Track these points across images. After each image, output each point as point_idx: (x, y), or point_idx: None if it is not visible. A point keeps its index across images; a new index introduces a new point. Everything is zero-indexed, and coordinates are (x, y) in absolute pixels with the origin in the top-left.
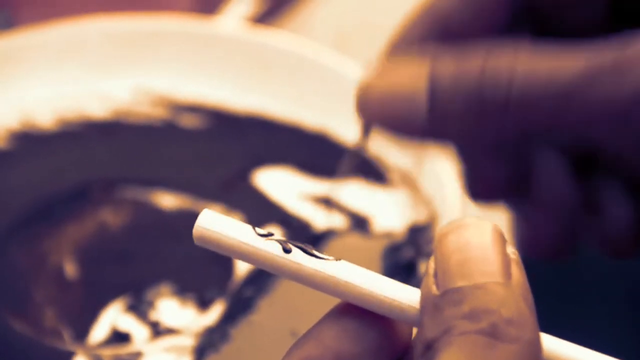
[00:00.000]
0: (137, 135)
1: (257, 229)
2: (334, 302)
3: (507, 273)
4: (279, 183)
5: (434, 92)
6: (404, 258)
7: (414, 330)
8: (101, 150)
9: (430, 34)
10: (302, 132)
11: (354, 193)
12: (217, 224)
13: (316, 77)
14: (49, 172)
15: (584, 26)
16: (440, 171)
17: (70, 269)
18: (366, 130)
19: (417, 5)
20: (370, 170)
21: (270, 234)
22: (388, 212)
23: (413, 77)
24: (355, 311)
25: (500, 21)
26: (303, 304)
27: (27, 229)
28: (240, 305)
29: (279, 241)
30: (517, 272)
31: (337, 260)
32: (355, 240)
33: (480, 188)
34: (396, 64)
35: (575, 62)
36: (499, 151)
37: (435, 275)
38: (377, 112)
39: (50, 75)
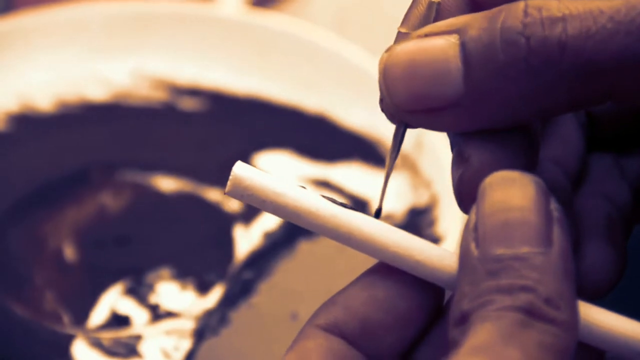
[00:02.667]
0: (137, 118)
1: (292, 180)
2: (334, 284)
3: (548, 239)
4: (278, 166)
5: (467, 49)
6: None
7: (445, 297)
8: (101, 133)
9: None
10: (302, 115)
11: (354, 176)
12: (252, 175)
13: (315, 59)
14: (49, 155)
15: None
16: (440, 154)
17: (70, 253)
18: (400, 130)
19: None
20: (370, 153)
21: (305, 187)
22: (388, 195)
23: (441, 40)
24: (386, 279)
25: None
26: (303, 286)
27: (26, 212)
28: (240, 288)
29: (315, 193)
30: (559, 236)
31: (377, 215)
32: None
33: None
34: (419, 32)
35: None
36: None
37: (475, 229)
38: (402, 86)
39: (49, 58)
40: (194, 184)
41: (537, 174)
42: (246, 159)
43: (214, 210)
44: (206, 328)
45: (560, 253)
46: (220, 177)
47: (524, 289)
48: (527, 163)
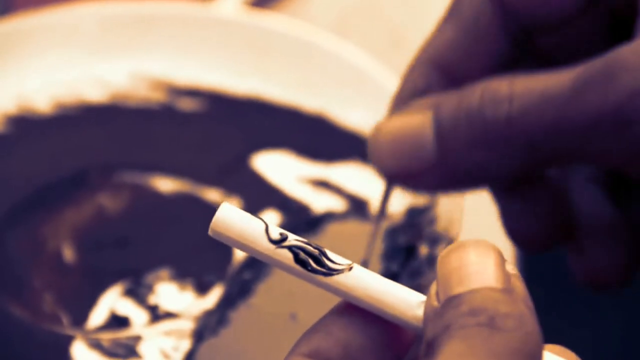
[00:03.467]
0: (135, 119)
1: (270, 230)
2: None
3: (506, 283)
4: (277, 166)
5: (439, 122)
6: (403, 240)
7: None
8: (99, 134)
9: (432, 80)
10: (301, 116)
11: (353, 176)
12: (231, 224)
13: (314, 60)
14: (47, 157)
15: (583, 49)
16: None
17: (69, 254)
18: (387, 190)
19: (414, 55)
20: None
21: (284, 238)
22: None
23: (419, 116)
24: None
25: (499, 54)
26: (302, 287)
27: (24, 214)
28: (239, 289)
29: (290, 248)
30: (518, 285)
31: (349, 269)
32: (353, 223)
33: (525, 237)
34: (402, 110)
35: (568, 74)
36: (525, 191)
37: (437, 293)
38: (388, 156)
39: (47, 60)
40: (192, 185)
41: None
42: (245, 159)
43: (213, 211)
44: (205, 328)
45: (519, 293)
46: (219, 178)
47: (484, 309)
48: (555, 210)
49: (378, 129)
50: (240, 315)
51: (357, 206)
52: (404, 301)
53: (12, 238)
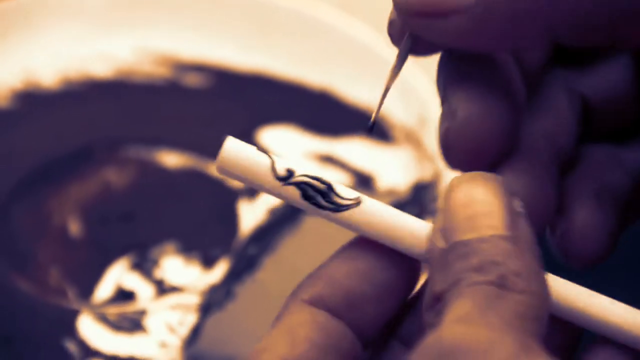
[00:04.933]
0: (141, 94)
1: (277, 166)
2: None
3: (513, 226)
4: (282, 142)
5: None
6: None
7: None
8: (105, 109)
9: None
10: (306, 91)
11: (358, 151)
12: (237, 160)
13: (319, 35)
14: (53, 132)
15: None
16: None
17: (75, 228)
18: (407, 45)
19: None
20: (374, 128)
21: (290, 174)
22: (392, 169)
23: None
24: (366, 251)
25: None
26: (307, 261)
27: (31, 188)
28: (245, 263)
29: (298, 184)
30: (524, 226)
31: (356, 204)
32: None
33: (467, 142)
34: None
35: None
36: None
37: (443, 230)
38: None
39: (53, 35)
40: (198, 160)
41: (522, 140)
42: (250, 134)
43: (218, 185)
44: (211, 303)
45: (525, 238)
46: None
47: (494, 264)
48: (511, 121)
49: None
50: (246, 289)
51: (363, 181)
52: (414, 233)
53: (18, 213)
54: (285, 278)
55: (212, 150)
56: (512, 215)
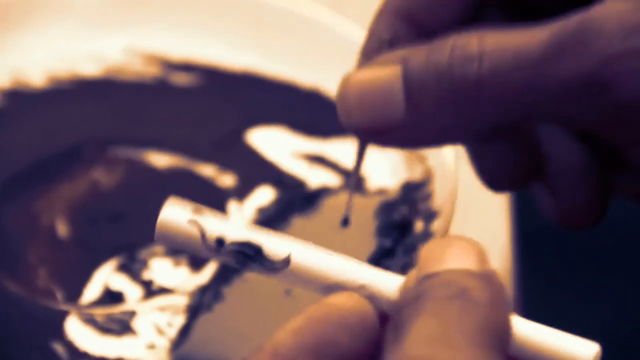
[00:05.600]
0: (130, 94)
1: (207, 238)
2: None
3: (483, 271)
4: (272, 142)
5: (408, 77)
6: (398, 216)
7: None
8: (93, 109)
9: (399, 31)
10: (296, 91)
11: (349, 151)
12: (170, 233)
13: (310, 34)
14: (41, 131)
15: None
16: None
17: (63, 229)
18: (360, 148)
19: (379, 5)
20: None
21: (220, 244)
22: (382, 169)
23: (387, 70)
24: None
25: (466, 2)
26: None
27: (18, 188)
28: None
29: (229, 253)
30: (496, 277)
31: (284, 264)
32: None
33: (495, 178)
34: (371, 62)
35: (542, 33)
36: (496, 138)
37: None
38: (356, 112)
39: (41, 34)
40: (187, 160)
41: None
42: (240, 135)
43: (208, 185)
44: (200, 304)
45: (495, 281)
46: (213, 153)
47: (457, 283)
48: (525, 158)
49: (346, 81)
50: (235, 290)
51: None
52: (349, 274)
53: (5, 213)
54: (275, 280)
55: (201, 150)
56: (484, 268)
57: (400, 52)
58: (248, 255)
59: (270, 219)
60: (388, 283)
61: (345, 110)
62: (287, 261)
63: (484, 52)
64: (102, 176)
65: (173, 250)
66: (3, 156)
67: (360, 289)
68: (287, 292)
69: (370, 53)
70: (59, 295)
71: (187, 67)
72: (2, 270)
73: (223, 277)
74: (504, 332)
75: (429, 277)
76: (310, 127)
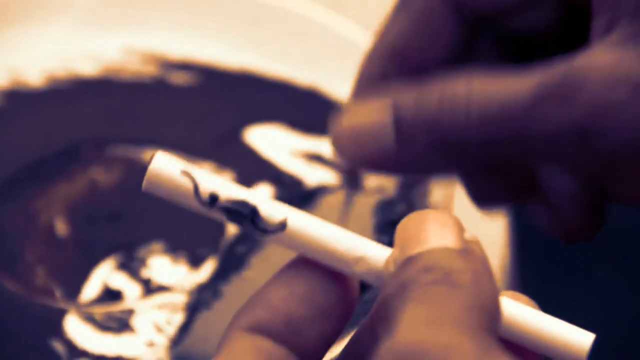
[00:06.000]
0: (128, 93)
1: (200, 191)
2: None
3: (464, 245)
4: (270, 140)
5: (399, 123)
6: (396, 213)
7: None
8: (91, 108)
9: (390, 69)
10: (294, 89)
11: None
12: (162, 183)
13: (307, 33)
14: (39, 131)
15: (540, 33)
16: None
17: (62, 228)
18: (351, 177)
19: (370, 44)
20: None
21: (214, 199)
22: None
23: (379, 111)
24: (303, 272)
25: (453, 43)
26: None
27: (17, 188)
28: (232, 262)
29: (222, 209)
30: (477, 248)
31: (281, 228)
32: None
33: (483, 198)
34: (363, 103)
35: (528, 83)
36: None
37: (395, 259)
38: (349, 150)
39: (40, 34)
40: (185, 159)
41: None
42: (238, 133)
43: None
44: (199, 302)
45: (477, 255)
46: (211, 151)
47: (440, 267)
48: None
49: (339, 122)
50: (233, 288)
51: (350, 179)
52: (341, 257)
53: (4, 212)
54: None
55: (199, 149)
56: (463, 239)
57: (391, 94)
58: (242, 214)
59: None
60: (380, 272)
61: (340, 148)
62: (283, 225)
63: (471, 102)
64: (100, 175)
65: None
66: (1, 156)
67: (358, 261)
68: None
69: (361, 92)
70: (58, 293)
71: (185, 67)
72: (0, 269)
73: (222, 275)
74: (491, 311)
75: (411, 261)
76: (308, 125)
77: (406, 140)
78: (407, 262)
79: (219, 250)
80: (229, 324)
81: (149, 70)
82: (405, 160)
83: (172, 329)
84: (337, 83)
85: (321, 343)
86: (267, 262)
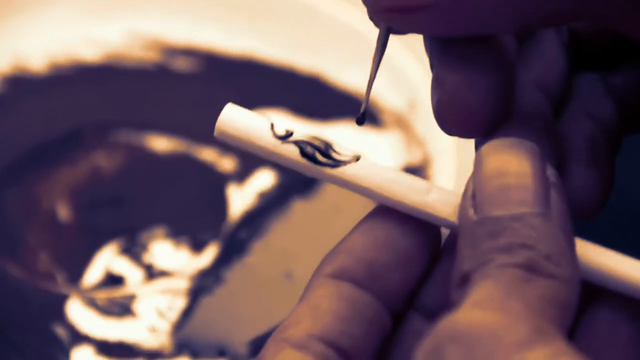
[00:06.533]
0: (130, 79)
1: (276, 126)
2: (329, 243)
3: (545, 201)
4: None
5: None
6: None
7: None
8: (94, 94)
9: None
10: (296, 75)
11: (348, 135)
12: (236, 123)
13: (309, 20)
14: (42, 116)
15: None
16: None
17: (64, 213)
18: (384, 34)
19: None
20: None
21: (290, 134)
22: (382, 154)
23: None
24: (384, 220)
25: None
26: (297, 246)
27: (20, 173)
28: (234, 247)
29: (296, 142)
30: (557, 199)
31: (355, 160)
32: None
33: (458, 111)
34: None
35: None
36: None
37: (473, 197)
38: None
39: (42, 19)
40: (187, 144)
41: (517, 98)
42: None
43: (208, 170)
44: (201, 287)
45: (558, 214)
46: (213, 137)
47: (524, 246)
48: (504, 85)
49: None
50: (235, 274)
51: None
52: (412, 188)
53: (7, 197)
54: (275, 262)
55: (202, 134)
56: (545, 187)
57: None
58: (316, 147)
59: (271, 202)
60: (451, 202)
61: None
62: (357, 157)
63: None
64: (102, 160)
65: (228, 147)
66: (4, 141)
67: (430, 190)
68: (287, 275)
69: None
70: (60, 278)
71: (186, 52)
72: (3, 254)
73: (224, 260)
74: (567, 306)
75: (493, 231)
76: (310, 111)
77: None
78: (489, 227)
79: (220, 235)
80: (313, 272)
81: (151, 56)
82: (450, 2)
83: (174, 314)
84: (339, 69)
85: (403, 289)
86: (269, 247)
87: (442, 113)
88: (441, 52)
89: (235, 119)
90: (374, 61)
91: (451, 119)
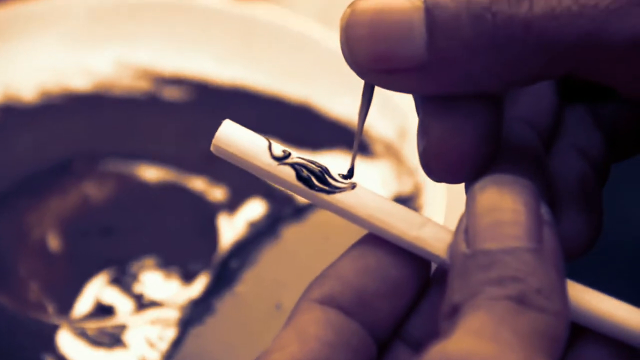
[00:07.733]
0: (120, 108)
1: (273, 147)
2: (318, 272)
3: (538, 237)
4: None
5: (432, 17)
6: None
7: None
8: (84, 123)
9: None
10: (286, 105)
11: (338, 164)
12: (234, 140)
13: (299, 48)
14: (32, 146)
15: None
16: None
17: (54, 243)
18: (367, 92)
19: None
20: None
21: (287, 155)
22: (372, 183)
23: (405, 2)
24: (376, 249)
25: None
26: (288, 275)
27: (9, 202)
28: (225, 277)
29: (293, 165)
30: (549, 236)
31: (351, 188)
32: None
33: (444, 160)
34: None
35: None
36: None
37: (466, 231)
38: (366, 42)
39: (33, 48)
40: (177, 174)
41: (507, 135)
42: None
43: (198, 199)
44: (191, 317)
45: (550, 251)
46: (204, 166)
47: (515, 279)
48: (491, 126)
49: (353, 10)
50: (225, 304)
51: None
52: (406, 220)
53: None
54: (265, 291)
55: (192, 164)
56: (538, 224)
57: None
58: (312, 171)
59: (261, 232)
60: (444, 239)
61: (352, 41)
62: (353, 185)
63: None
64: (92, 190)
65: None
66: None
67: (424, 224)
68: (277, 306)
69: None
70: (51, 308)
71: (176, 82)
72: None
73: (214, 290)
74: (557, 339)
75: (484, 263)
76: (300, 140)
77: (441, 33)
78: (480, 260)
79: (211, 265)
80: (300, 297)
81: (141, 85)
82: (436, 63)
83: (164, 344)
84: (329, 98)
85: (390, 318)
86: (260, 276)
87: (428, 163)
88: (424, 100)
89: (232, 135)
90: (359, 116)
91: (437, 168)
